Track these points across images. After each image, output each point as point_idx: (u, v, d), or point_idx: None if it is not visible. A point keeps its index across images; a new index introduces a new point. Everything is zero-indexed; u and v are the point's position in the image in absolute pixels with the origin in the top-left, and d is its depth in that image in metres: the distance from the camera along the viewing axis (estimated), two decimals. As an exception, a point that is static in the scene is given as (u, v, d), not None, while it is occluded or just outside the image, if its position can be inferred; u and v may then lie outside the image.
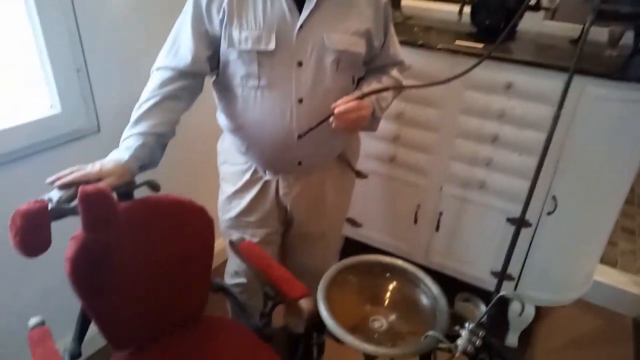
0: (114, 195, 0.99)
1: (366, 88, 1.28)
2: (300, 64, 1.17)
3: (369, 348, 0.95)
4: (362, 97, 1.19)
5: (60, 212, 0.93)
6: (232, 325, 1.30)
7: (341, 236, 2.07)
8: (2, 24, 1.28)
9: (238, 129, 1.30)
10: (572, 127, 1.49)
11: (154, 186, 1.16)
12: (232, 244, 1.34)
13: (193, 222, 1.18)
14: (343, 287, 1.12)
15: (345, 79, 1.25)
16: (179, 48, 1.19)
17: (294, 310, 1.72)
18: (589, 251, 1.78)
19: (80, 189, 0.89)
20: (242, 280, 1.54)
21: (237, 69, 1.19)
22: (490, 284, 1.80)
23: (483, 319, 0.98)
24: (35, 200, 0.87)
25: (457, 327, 1.00)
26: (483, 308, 1.06)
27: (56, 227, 0.92)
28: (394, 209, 1.96)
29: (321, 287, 1.07)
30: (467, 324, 0.98)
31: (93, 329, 1.12)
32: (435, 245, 1.91)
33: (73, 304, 1.12)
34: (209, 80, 1.31)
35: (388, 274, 1.17)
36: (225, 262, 1.63)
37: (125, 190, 1.09)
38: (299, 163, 1.31)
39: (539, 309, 1.90)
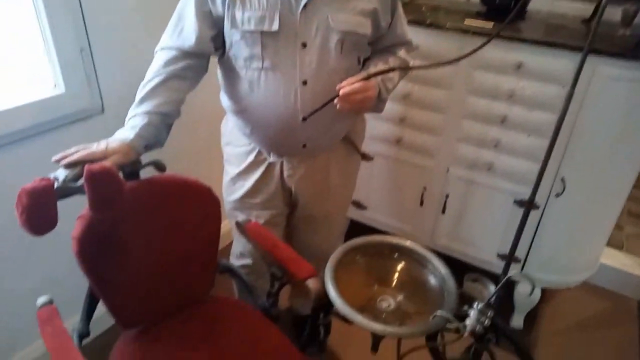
0: (120, 175, 0.98)
1: (372, 69, 1.26)
2: (304, 45, 1.15)
3: (378, 327, 0.94)
4: (367, 78, 1.17)
5: (66, 190, 0.93)
6: (239, 305, 1.30)
7: (346, 218, 2.07)
8: (5, 3, 1.26)
9: (242, 111, 1.28)
10: (583, 108, 1.46)
11: (159, 166, 1.15)
12: (238, 225, 1.33)
13: (200, 202, 1.17)
14: (351, 268, 1.12)
15: (351, 59, 1.23)
16: (182, 28, 1.17)
17: (300, 291, 1.73)
18: (596, 234, 1.77)
19: (86, 167, 0.88)
20: (248, 261, 1.55)
21: (240, 51, 1.17)
22: (496, 266, 1.80)
23: (492, 299, 0.97)
24: (41, 178, 0.86)
25: (465, 308, 1.00)
26: (492, 288, 1.06)
27: (63, 206, 0.92)
28: (400, 191, 1.95)
29: (329, 267, 1.07)
30: (475, 304, 0.98)
31: (102, 308, 1.12)
32: (441, 228, 1.90)
33: (81, 284, 1.13)
34: (213, 61, 1.29)
35: (396, 255, 1.16)
36: (230, 245, 1.63)
37: (131, 170, 1.09)
38: (304, 145, 1.29)
39: (544, 292, 1.90)
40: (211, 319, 1.23)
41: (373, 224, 2.08)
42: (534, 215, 1.64)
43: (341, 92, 1.15)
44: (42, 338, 0.96)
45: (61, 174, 0.95)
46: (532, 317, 1.91)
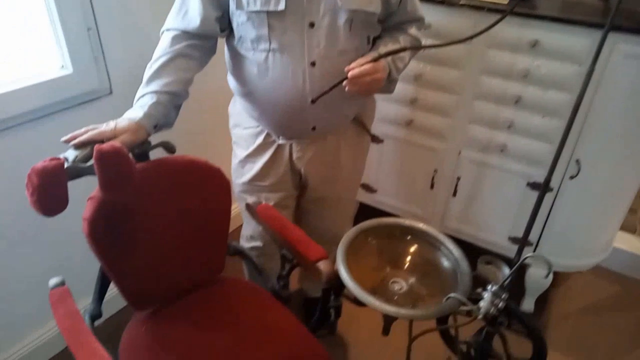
0: (130, 156, 0.97)
1: (382, 48, 1.22)
2: (312, 25, 1.12)
3: (390, 309, 0.93)
4: (377, 59, 1.14)
5: (76, 171, 0.92)
6: (250, 287, 1.30)
7: (356, 201, 2.05)
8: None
9: (249, 94, 1.26)
10: (601, 87, 1.42)
11: (169, 148, 1.14)
12: (248, 207, 1.33)
13: (210, 183, 1.17)
14: (362, 250, 1.11)
15: (360, 39, 1.20)
16: (187, 10, 1.15)
17: (310, 273, 1.73)
18: (610, 217, 1.75)
19: (96, 147, 0.87)
20: (258, 244, 1.54)
21: (247, 32, 1.15)
22: (507, 249, 1.79)
23: (507, 282, 0.96)
24: (51, 158, 0.85)
25: (479, 290, 0.98)
26: (506, 271, 1.04)
27: (74, 188, 0.91)
28: (410, 174, 1.93)
29: (340, 249, 1.06)
30: (489, 287, 0.96)
31: (114, 290, 1.12)
32: (452, 211, 1.88)
33: (92, 266, 1.13)
34: (222, 42, 1.27)
35: (409, 237, 1.14)
36: (239, 228, 1.63)
37: (141, 151, 1.08)
38: (313, 128, 1.27)
39: (555, 275, 1.88)
40: (223, 300, 1.23)
41: (382, 207, 2.07)
42: (547, 197, 1.61)
43: (349, 75, 1.12)
44: (54, 319, 0.96)
45: (71, 154, 0.94)
46: (542, 300, 1.90)
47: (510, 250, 1.77)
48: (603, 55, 1.36)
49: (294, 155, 1.35)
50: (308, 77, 1.16)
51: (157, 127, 1.10)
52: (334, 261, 1.06)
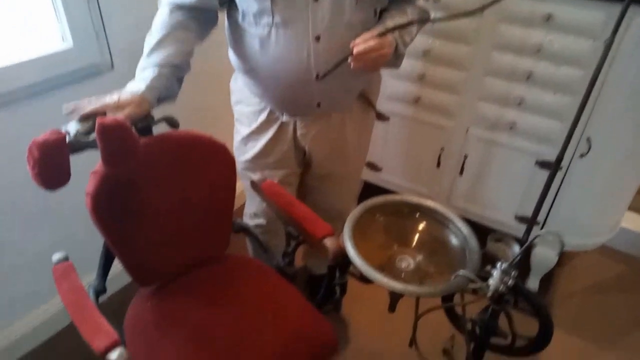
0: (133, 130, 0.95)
1: (389, 22, 1.17)
2: None
3: (398, 286, 0.92)
4: (384, 34, 1.10)
5: (78, 145, 0.90)
6: (254, 263, 1.29)
7: (360, 180, 2.03)
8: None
9: (252, 70, 1.23)
10: (615, 63, 1.38)
11: (172, 122, 1.12)
12: (253, 184, 1.31)
13: (215, 159, 1.15)
14: (369, 227, 1.09)
15: (366, 12, 1.15)
16: None
17: (316, 250, 1.72)
18: (619, 196, 1.72)
19: (98, 120, 0.85)
20: (262, 221, 1.53)
21: (249, 6, 1.11)
22: (514, 228, 1.77)
23: (517, 259, 0.94)
24: (52, 130, 0.83)
25: (488, 267, 0.97)
26: (516, 248, 1.03)
27: (77, 162, 0.89)
28: (416, 152, 1.90)
29: (347, 226, 1.04)
30: (499, 264, 0.95)
31: (119, 266, 1.12)
32: (459, 190, 1.86)
33: (96, 241, 1.12)
34: (222, 16, 1.23)
35: (417, 214, 1.13)
36: (241, 208, 1.61)
37: (144, 125, 1.05)
38: (318, 105, 1.24)
39: (561, 254, 1.87)
40: (228, 276, 1.23)
41: (387, 186, 2.05)
42: (556, 176, 1.58)
43: (355, 51, 1.07)
44: (58, 294, 0.95)
45: (72, 127, 0.92)
46: (547, 279, 1.89)
47: (517, 230, 1.76)
48: (620, 29, 1.31)
49: (298, 132, 1.33)
50: (313, 52, 1.12)
51: (160, 100, 1.08)
52: (339, 238, 1.05)
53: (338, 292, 1.28)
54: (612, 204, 1.73)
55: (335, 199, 1.56)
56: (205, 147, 1.14)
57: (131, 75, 1.09)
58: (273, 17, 1.10)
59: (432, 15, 1.29)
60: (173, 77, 1.10)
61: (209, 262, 1.25)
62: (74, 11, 1.33)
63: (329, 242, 1.10)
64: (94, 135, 0.88)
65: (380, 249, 1.10)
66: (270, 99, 1.27)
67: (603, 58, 1.03)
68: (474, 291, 0.99)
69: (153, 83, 1.04)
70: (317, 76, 1.14)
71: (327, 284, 1.26)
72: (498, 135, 1.67)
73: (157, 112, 1.08)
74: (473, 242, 1.03)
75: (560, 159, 1.26)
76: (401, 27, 1.15)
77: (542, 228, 1.73)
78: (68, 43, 1.36)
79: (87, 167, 0.97)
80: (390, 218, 1.14)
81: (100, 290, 1.12)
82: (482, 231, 1.15)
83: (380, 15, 1.22)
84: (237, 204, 1.71)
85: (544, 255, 1.75)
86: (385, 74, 1.46)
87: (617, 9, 1.19)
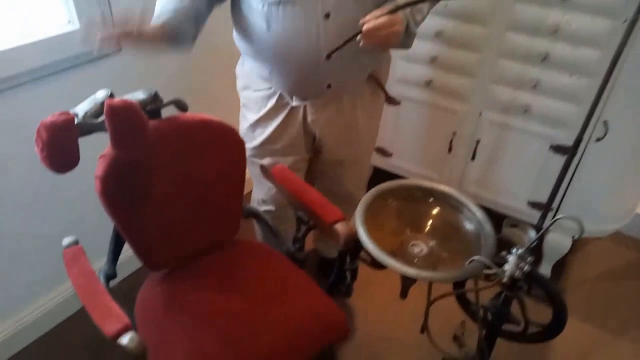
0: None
1: None
2: None
3: (411, 271, 0.91)
4: (394, 11, 1.06)
5: (87, 127, 0.89)
6: (264, 249, 1.28)
7: (370, 164, 2.01)
8: None
9: (259, 52, 1.20)
10: (635, 45, 1.34)
11: (181, 105, 1.10)
12: (263, 168, 1.29)
13: (224, 142, 1.13)
14: (382, 212, 1.08)
15: None
16: None
17: (327, 235, 1.71)
18: (634, 182, 1.69)
19: (107, 101, 0.84)
20: (270, 207, 1.52)
21: None
22: (527, 214, 1.74)
23: (534, 244, 0.92)
24: (60, 112, 0.81)
25: (503, 253, 0.95)
26: (532, 234, 1.01)
27: (86, 146, 0.88)
28: (427, 137, 1.87)
29: (359, 211, 1.03)
30: (515, 250, 0.93)
31: (129, 252, 1.11)
32: (470, 175, 1.83)
33: (107, 226, 1.11)
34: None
35: (431, 199, 1.10)
36: (248, 194, 1.59)
37: (153, 108, 1.04)
38: (328, 86, 1.22)
39: (573, 241, 1.84)
40: (238, 261, 1.22)
41: (397, 172, 2.02)
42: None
43: (364, 28, 1.04)
44: (69, 279, 0.95)
45: (81, 109, 0.90)
46: (560, 266, 1.87)
47: (529, 216, 1.73)
48: (640, 8, 1.27)
49: (309, 118, 1.31)
50: (322, 31, 1.09)
51: (175, 38, 1.08)
52: (349, 223, 1.03)
53: (349, 277, 1.27)
54: (628, 189, 1.69)
55: (346, 183, 1.54)
56: (215, 130, 1.12)
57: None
58: None
59: (445, -7, 1.26)
60: (186, 20, 1.10)
61: (219, 246, 1.24)
62: (80, -8, 1.31)
63: (340, 227, 1.08)
64: (102, 117, 0.87)
65: (392, 234, 1.09)
66: (279, 81, 1.25)
67: (626, 37, 0.99)
68: (487, 277, 0.97)
69: (167, 21, 1.06)
70: (328, 55, 1.11)
71: (338, 269, 1.24)
72: (511, 119, 1.64)
73: (166, 96, 1.06)
74: (488, 227, 1.01)
75: (578, 142, 1.23)
76: (413, 3, 1.11)
77: (555, 214, 1.70)
78: (74, 25, 1.34)
79: (96, 151, 0.96)
80: (403, 203, 1.11)
81: (110, 275, 1.12)
82: (494, 217, 1.12)
83: None
84: (245, 190, 1.70)
85: (558, 242, 1.72)
86: (396, 56, 1.42)
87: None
